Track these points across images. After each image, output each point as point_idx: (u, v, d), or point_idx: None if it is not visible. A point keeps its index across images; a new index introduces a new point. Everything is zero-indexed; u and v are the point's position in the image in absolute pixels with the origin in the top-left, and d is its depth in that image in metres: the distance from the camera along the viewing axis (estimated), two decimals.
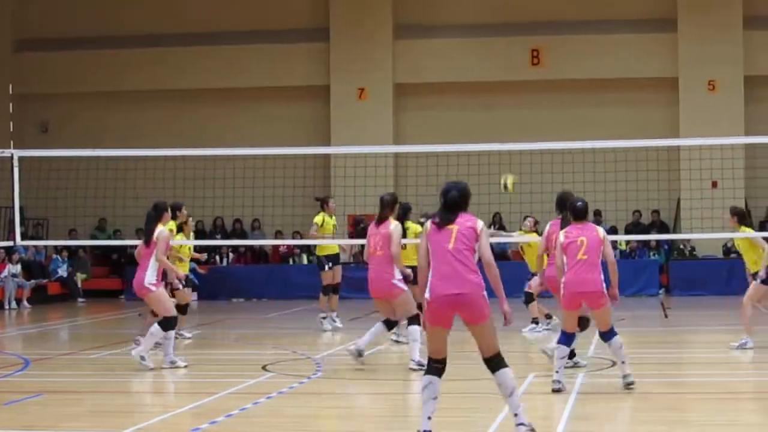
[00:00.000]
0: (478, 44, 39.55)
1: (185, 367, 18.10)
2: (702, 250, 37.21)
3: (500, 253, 36.52)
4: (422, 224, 24.67)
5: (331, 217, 25.01)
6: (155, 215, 19.02)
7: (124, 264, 39.27)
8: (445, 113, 39.08)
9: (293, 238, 36.75)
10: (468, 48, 39.59)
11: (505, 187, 20.63)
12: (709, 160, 30.00)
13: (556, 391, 14.88)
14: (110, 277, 39.77)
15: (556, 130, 35.69)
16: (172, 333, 18.45)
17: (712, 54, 38.16)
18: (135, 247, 37.59)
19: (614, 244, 36.55)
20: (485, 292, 11.63)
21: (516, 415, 11.57)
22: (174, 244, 21.35)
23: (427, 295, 11.75)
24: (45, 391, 16.09)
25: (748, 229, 20.63)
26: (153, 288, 18.54)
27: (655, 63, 38.91)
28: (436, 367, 11.63)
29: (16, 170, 21.52)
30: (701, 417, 13.81)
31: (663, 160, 34.38)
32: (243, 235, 38.69)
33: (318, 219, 24.74)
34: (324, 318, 24.73)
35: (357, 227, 37.22)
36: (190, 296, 23.39)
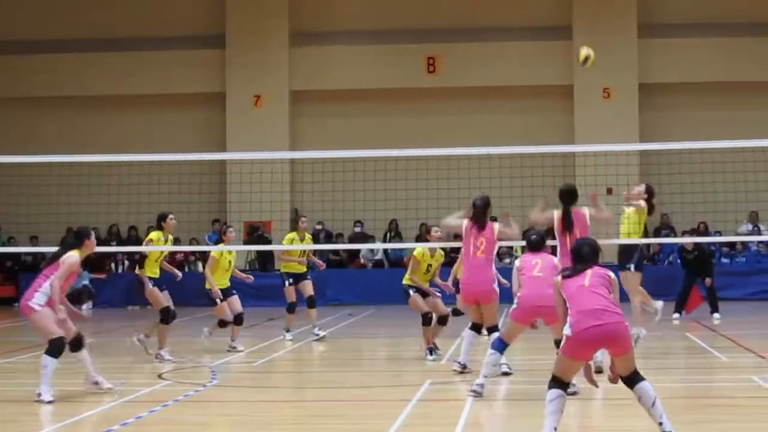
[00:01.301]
0: (375, 51, 39.68)
1: (49, 402, 15.53)
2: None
3: (397, 260, 36.71)
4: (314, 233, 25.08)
5: (302, 236, 24.65)
6: (76, 242, 16.85)
7: (17, 271, 39.00)
8: (342, 120, 39.18)
9: (190, 244, 36.65)
10: (364, 55, 39.71)
11: (585, 60, 20.90)
12: (604, 166, 30.22)
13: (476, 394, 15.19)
14: (4, 285, 39.39)
15: (453, 137, 35.84)
16: (54, 361, 16.01)
17: (608, 61, 38.47)
18: (29, 254, 37.70)
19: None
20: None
21: (661, 423, 11.67)
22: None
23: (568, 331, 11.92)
24: None
25: None
26: (38, 308, 16.25)
27: (551, 70, 39.23)
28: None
29: None
30: None
31: (558, 166, 34.65)
32: (138, 242, 38.47)
33: (289, 237, 24.76)
34: (287, 332, 24.32)
35: (253, 234, 37.35)
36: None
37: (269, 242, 36.83)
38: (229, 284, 22.70)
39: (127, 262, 38.65)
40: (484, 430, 13.57)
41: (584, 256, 12.46)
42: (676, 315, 27.74)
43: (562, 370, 11.97)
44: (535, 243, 16.59)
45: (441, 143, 32.67)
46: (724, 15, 38.61)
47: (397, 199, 34.94)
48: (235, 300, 22.70)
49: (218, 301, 22.19)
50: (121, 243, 38.29)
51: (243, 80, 39.73)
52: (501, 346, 15.73)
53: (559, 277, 12.39)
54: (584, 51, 20.94)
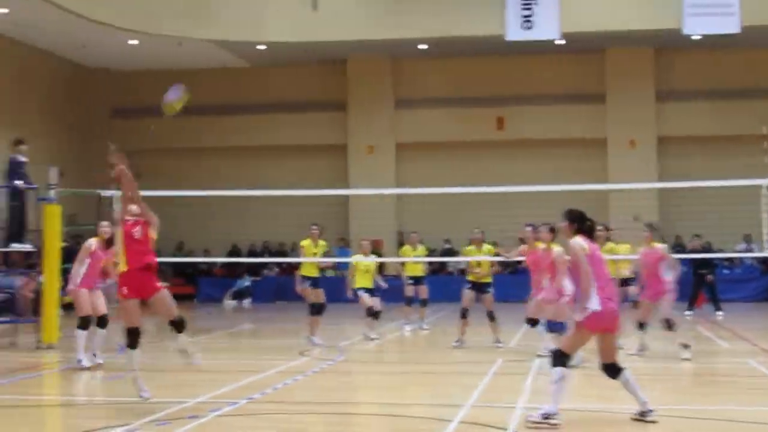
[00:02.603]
0: (457, 113, 39.67)
1: (88, 368, 16.33)
2: None
3: None
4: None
5: (316, 242, 21.26)
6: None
7: (194, 275, 39.47)
8: (433, 164, 39.14)
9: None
10: (449, 116, 39.71)
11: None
12: (628, 201, 29.97)
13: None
14: (185, 285, 39.85)
15: (516, 178, 35.77)
16: (82, 333, 16.57)
17: (632, 119, 38.35)
18: (205, 263, 38.06)
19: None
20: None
21: (645, 403, 10.99)
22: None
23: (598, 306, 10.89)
24: (142, 369, 16.16)
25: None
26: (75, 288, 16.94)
27: (589, 126, 39.06)
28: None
29: (115, 206, 21.60)
30: None
31: (593, 200, 34.58)
32: (284, 254, 38.57)
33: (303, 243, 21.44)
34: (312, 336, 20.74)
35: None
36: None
37: (381, 256, 36.93)
38: (372, 285, 21.97)
39: (276, 269, 38.93)
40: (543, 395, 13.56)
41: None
42: (688, 312, 27.48)
43: (574, 346, 11.18)
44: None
45: (506, 182, 32.61)
46: (718, 82, 38.31)
47: (475, 223, 35.03)
48: (366, 298, 21.88)
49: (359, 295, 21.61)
50: (271, 255, 38.56)
51: (360, 135, 39.88)
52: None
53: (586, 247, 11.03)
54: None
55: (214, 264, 38.88)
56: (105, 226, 17.34)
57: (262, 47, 37.30)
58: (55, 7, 30.40)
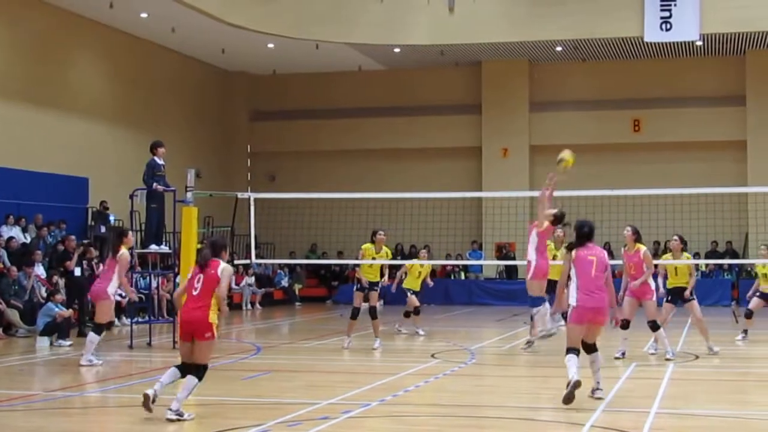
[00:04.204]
0: (593, 115, 39.33)
1: (101, 364, 16.88)
2: None
3: None
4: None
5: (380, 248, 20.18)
6: (118, 241, 17.66)
7: (329, 277, 39.79)
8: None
9: (445, 259, 36.93)
10: (586, 118, 39.38)
11: (561, 161, 18.05)
12: None
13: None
14: (319, 287, 40.22)
15: (652, 180, 35.36)
16: (97, 337, 16.99)
17: None
18: (339, 265, 38.36)
19: (697, 266, 36.07)
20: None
21: (598, 383, 12.77)
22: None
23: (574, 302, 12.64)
24: (272, 369, 16.39)
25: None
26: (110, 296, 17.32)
27: (728, 129, 38.29)
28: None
29: (252, 208, 21.91)
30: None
31: (734, 203, 33.88)
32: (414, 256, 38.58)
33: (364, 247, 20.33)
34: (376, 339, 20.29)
35: (501, 252, 37.17)
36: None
37: (513, 259, 36.76)
38: (419, 288, 23.70)
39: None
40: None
41: (587, 235, 12.81)
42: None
43: (573, 339, 12.61)
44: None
45: (642, 185, 32.21)
46: None
47: (609, 226, 34.68)
48: (413, 299, 23.52)
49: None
50: (404, 257, 38.50)
51: (494, 137, 39.77)
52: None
53: (573, 252, 12.71)
54: (561, 155, 18.20)
55: (346, 267, 39.06)
56: (130, 235, 18.33)
57: (398, 50, 37.43)
58: (192, 10, 30.93)
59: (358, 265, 20.45)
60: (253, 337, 23.91)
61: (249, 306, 34.90)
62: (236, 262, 28.69)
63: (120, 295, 21.97)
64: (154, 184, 20.42)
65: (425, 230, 32.88)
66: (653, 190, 28.51)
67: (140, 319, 24.24)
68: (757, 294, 21.79)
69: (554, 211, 18.43)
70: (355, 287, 20.29)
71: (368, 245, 20.21)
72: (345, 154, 41.25)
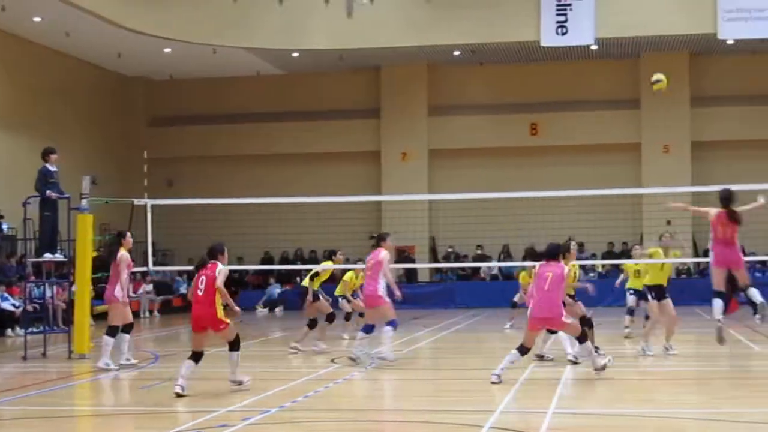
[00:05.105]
0: (491, 120, 39.71)
1: (117, 369, 17.22)
2: None
3: (508, 275, 36.42)
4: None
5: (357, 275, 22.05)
6: (118, 242, 18.03)
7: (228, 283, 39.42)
8: (467, 171, 39.09)
9: (345, 263, 36.83)
10: (483, 122, 39.73)
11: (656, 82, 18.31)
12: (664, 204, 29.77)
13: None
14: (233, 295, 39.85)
15: (549, 183, 35.68)
16: (112, 340, 17.44)
17: (666, 124, 38.14)
18: (238, 271, 38.12)
19: (593, 267, 36.54)
20: None
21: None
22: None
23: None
24: (170, 378, 16.16)
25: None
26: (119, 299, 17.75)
27: (623, 131, 38.91)
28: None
29: (149, 214, 21.67)
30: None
31: (628, 204, 34.36)
32: (316, 262, 38.57)
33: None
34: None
35: (401, 255, 37.26)
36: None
37: (413, 261, 36.90)
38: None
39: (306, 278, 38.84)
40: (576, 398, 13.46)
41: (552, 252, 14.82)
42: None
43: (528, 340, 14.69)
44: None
45: (540, 187, 32.46)
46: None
47: (508, 228, 35.02)
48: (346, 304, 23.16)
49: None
50: (304, 262, 38.50)
51: (393, 142, 39.91)
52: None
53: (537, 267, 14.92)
54: (657, 76, 18.55)
55: (246, 272, 38.85)
56: (129, 237, 18.24)
57: (296, 54, 37.32)
58: (87, 14, 30.51)
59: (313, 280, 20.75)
60: (151, 345, 23.58)
61: (147, 314, 34.51)
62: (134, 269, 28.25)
63: (15, 306, 21.49)
64: (47, 192, 19.97)
65: (326, 234, 32.88)
66: (550, 192, 28.76)
67: (35, 329, 23.75)
68: (630, 292, 22.16)
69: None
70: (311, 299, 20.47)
71: (351, 273, 22.49)
72: (244, 159, 41.04)
